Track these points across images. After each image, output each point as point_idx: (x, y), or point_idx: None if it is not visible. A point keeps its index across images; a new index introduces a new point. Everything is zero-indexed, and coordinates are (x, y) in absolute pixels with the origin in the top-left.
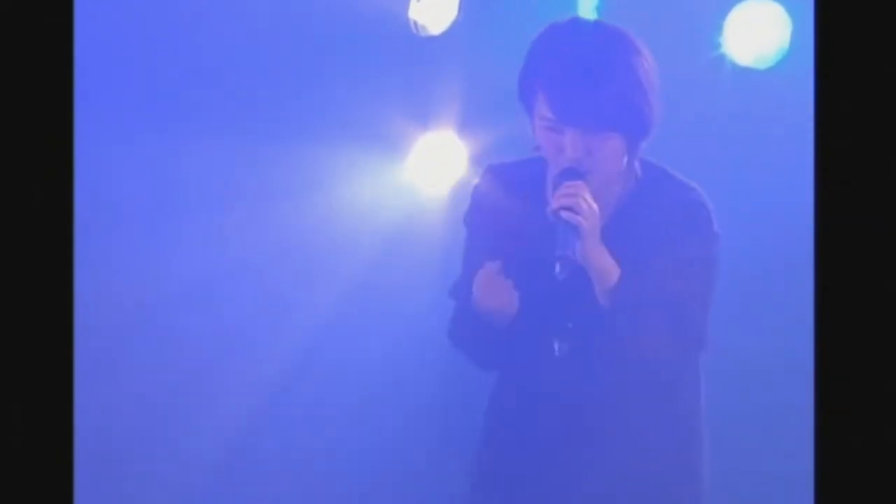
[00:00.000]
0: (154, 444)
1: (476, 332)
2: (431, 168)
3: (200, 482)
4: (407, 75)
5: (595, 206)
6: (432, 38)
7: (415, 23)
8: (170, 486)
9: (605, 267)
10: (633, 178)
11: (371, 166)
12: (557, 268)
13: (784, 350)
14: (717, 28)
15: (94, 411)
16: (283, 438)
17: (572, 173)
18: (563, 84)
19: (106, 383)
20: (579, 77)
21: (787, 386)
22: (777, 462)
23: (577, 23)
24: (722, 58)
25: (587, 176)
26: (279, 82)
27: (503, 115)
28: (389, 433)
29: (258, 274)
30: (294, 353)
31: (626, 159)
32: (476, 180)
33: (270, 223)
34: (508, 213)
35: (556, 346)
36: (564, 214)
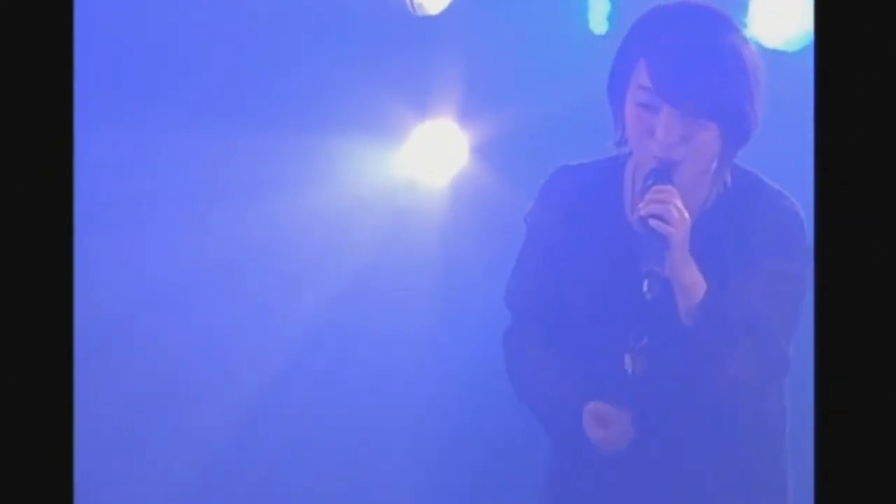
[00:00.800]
0: (153, 443)
1: (543, 388)
2: (429, 158)
3: (200, 482)
4: (403, 58)
5: (686, 214)
6: (430, 18)
7: (411, 1)
8: (169, 486)
9: (693, 282)
10: (722, 185)
11: (365, 156)
12: (645, 286)
13: None
14: (742, 7)
15: (94, 411)
16: (280, 438)
17: (661, 175)
18: (669, 57)
19: (105, 382)
20: (686, 55)
21: (788, 386)
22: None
23: (687, 4)
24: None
25: (677, 167)
26: (269, 66)
27: (505, 101)
28: (388, 434)
29: (255, 270)
30: (293, 350)
31: (717, 162)
32: (544, 180)
33: (265, 217)
34: (577, 219)
35: (628, 363)
36: (653, 223)
